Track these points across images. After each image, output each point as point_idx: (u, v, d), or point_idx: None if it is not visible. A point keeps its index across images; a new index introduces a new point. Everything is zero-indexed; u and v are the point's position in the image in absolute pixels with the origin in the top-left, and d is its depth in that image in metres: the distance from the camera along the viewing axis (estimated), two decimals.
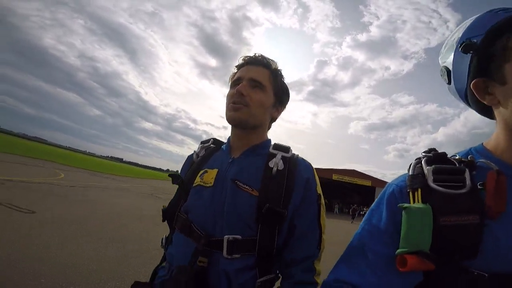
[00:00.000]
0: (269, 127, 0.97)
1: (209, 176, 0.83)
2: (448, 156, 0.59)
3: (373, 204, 0.64)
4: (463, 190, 0.51)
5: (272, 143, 0.89)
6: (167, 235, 0.89)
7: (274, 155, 0.81)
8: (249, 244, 0.72)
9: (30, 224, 4.56)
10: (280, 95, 0.92)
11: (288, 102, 0.98)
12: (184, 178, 0.89)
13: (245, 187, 0.77)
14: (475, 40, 0.54)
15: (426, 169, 0.55)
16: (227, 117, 0.85)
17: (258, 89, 0.85)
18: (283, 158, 0.81)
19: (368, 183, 35.14)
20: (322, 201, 0.81)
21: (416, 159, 0.61)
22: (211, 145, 0.97)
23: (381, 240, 0.57)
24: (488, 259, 0.48)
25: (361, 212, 23.54)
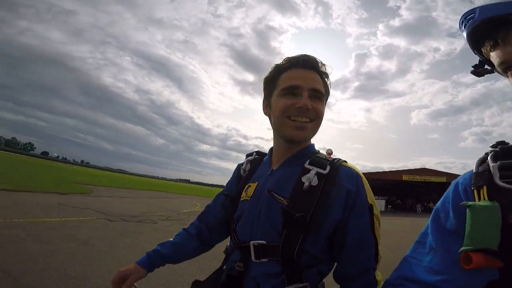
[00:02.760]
0: None
1: (251, 190, 0.85)
2: None
3: (438, 203, 0.62)
4: None
5: (317, 148, 0.86)
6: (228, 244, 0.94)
7: (308, 171, 0.76)
8: (274, 249, 0.73)
9: None
10: (327, 99, 0.86)
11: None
12: (235, 193, 0.94)
13: (279, 198, 0.77)
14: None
15: (492, 166, 0.52)
16: (287, 136, 0.80)
17: (318, 100, 0.80)
18: (318, 174, 0.75)
19: (442, 179, 34.53)
20: (376, 212, 0.75)
21: (483, 155, 0.57)
22: (256, 157, 0.98)
23: (449, 238, 0.55)
24: None
25: None
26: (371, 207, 0.75)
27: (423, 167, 36.70)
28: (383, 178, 35.89)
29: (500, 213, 0.47)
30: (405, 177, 35.66)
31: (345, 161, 0.80)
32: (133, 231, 6.38)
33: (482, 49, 0.57)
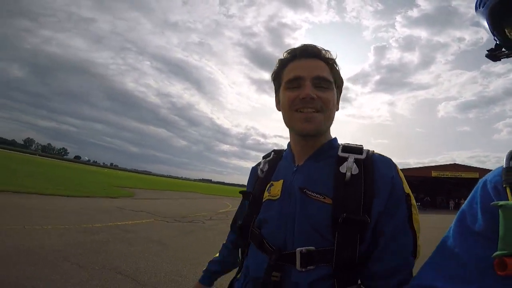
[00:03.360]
0: None
1: (275, 189, 0.79)
2: None
3: (464, 204, 0.56)
4: None
5: (340, 142, 0.80)
6: (242, 250, 0.89)
7: (345, 159, 0.71)
8: (325, 255, 0.66)
9: None
10: (340, 87, 0.81)
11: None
12: (253, 193, 0.87)
13: (315, 196, 0.70)
14: None
15: None
16: (297, 130, 0.75)
17: (325, 89, 0.74)
18: (356, 161, 0.70)
19: (475, 175, 33.16)
20: (413, 201, 0.70)
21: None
22: (273, 156, 0.92)
23: (477, 242, 0.50)
24: None
25: None
26: (408, 196, 0.69)
27: (453, 162, 35.70)
28: (411, 175, 34.81)
29: None
30: (434, 174, 34.60)
31: (374, 151, 0.76)
32: (190, 230, 7.22)
33: (506, 29, 0.52)
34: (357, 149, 0.74)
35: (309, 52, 0.76)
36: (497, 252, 0.43)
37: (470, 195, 0.56)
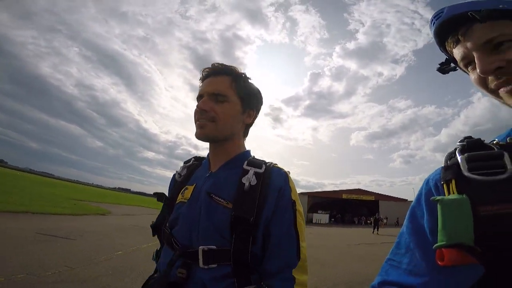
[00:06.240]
0: (246, 134, 0.98)
1: (188, 192, 0.87)
2: (486, 142, 0.54)
3: (413, 201, 0.61)
4: (504, 176, 0.45)
5: (252, 154, 0.92)
6: (158, 249, 0.96)
7: (247, 171, 0.83)
8: (224, 253, 0.75)
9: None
10: (247, 99, 0.91)
11: (262, 104, 0.98)
12: (168, 196, 0.95)
13: (219, 200, 0.80)
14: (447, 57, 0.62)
15: (460, 158, 0.51)
16: (195, 135, 0.87)
17: (220, 102, 0.86)
18: (256, 174, 0.82)
19: (372, 198, 43.95)
20: (299, 207, 0.81)
21: (452, 150, 0.56)
22: (194, 162, 1.00)
23: (426, 236, 0.54)
24: None
25: (379, 222, 25.53)
26: (294, 203, 0.81)
27: (358, 185, 46.65)
28: (327, 196, 44.58)
29: (470, 205, 0.45)
30: (344, 196, 44.25)
31: (276, 164, 0.88)
32: None
33: (446, 47, 0.60)
34: (258, 164, 0.85)
35: (215, 71, 0.90)
36: (437, 244, 0.46)
37: (418, 191, 0.60)
